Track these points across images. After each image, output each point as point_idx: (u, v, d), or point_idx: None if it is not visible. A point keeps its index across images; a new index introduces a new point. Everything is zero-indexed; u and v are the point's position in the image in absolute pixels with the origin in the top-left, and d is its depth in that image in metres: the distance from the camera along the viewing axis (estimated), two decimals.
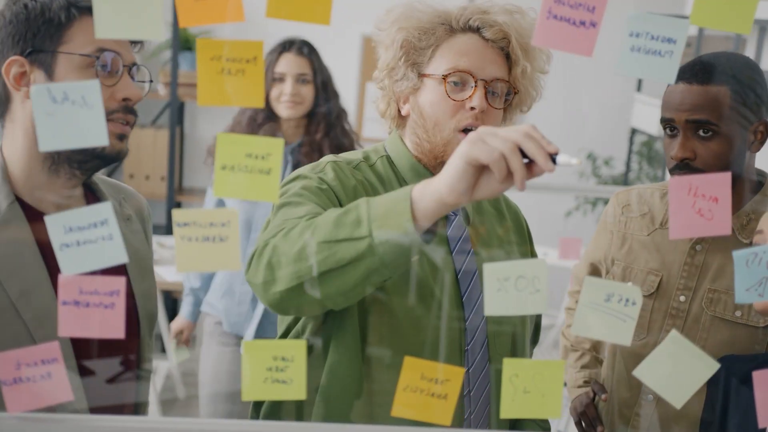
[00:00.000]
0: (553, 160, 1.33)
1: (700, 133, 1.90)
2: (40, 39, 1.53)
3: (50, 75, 1.54)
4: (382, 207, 1.37)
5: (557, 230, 5.57)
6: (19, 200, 1.57)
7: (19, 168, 1.59)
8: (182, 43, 5.90)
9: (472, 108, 1.64)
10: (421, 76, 1.70)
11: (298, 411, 1.66)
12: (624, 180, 6.12)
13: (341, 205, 1.58)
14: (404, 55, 1.72)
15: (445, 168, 1.34)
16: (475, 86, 1.64)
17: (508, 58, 1.70)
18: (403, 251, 1.37)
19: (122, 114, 1.58)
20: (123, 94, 1.58)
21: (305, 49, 3.35)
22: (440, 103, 1.68)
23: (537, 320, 1.96)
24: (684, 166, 1.92)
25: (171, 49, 5.73)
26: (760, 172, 2.05)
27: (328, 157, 1.73)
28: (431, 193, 1.34)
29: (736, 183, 1.96)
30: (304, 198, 1.56)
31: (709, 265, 2.00)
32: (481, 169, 1.32)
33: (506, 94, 1.70)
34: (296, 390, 1.28)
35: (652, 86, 5.84)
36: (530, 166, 1.32)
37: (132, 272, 1.70)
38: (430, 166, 1.71)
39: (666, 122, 1.96)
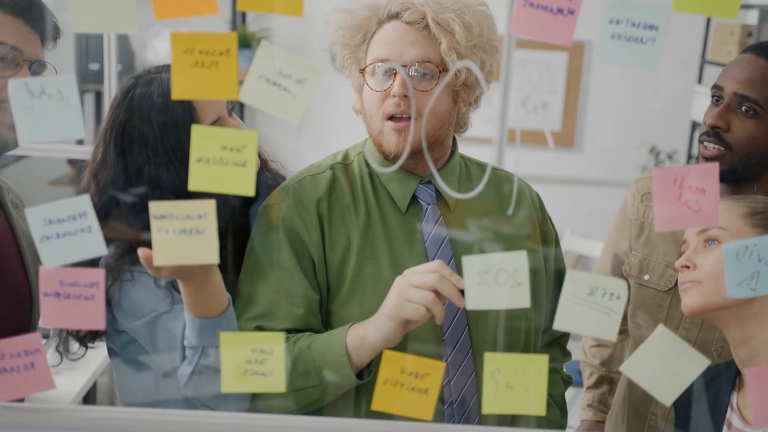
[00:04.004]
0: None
1: (743, 109, 1.85)
2: None
3: None
4: (323, 359, 1.58)
5: None
6: None
7: None
8: (240, 41, 5.96)
9: (394, 95, 1.63)
10: (360, 72, 1.70)
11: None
12: None
13: (305, 231, 1.68)
14: (346, 55, 1.73)
15: (377, 325, 1.55)
16: (396, 73, 1.63)
17: None
18: (352, 383, 1.59)
19: None
20: None
21: None
22: (370, 95, 1.68)
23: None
24: (714, 135, 1.85)
25: None
26: None
27: (302, 172, 1.77)
28: (367, 345, 1.56)
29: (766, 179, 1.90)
30: (267, 269, 1.68)
31: None
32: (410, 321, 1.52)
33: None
34: (275, 382, 1.28)
35: (713, 80, 5.69)
36: (441, 296, 1.49)
37: (29, 257, 1.78)
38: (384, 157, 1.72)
39: (715, 89, 1.89)
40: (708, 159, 1.86)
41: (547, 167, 5.76)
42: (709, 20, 5.39)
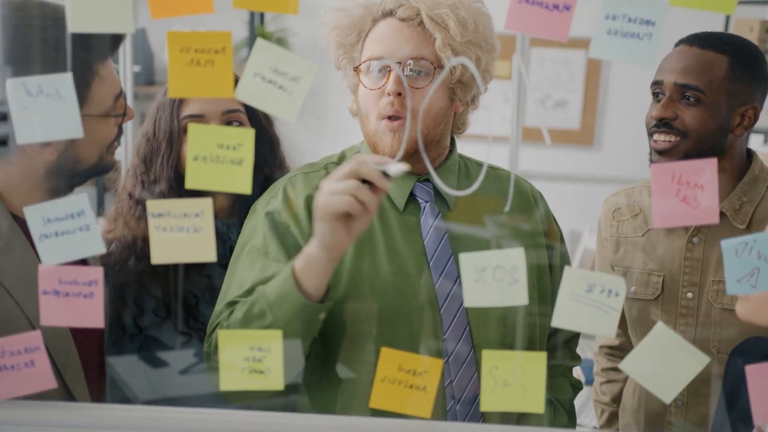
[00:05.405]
0: (387, 175, 1.42)
1: (686, 98, 1.86)
2: None
3: None
4: (275, 292, 1.49)
5: None
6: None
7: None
8: None
9: (389, 93, 1.61)
10: (355, 70, 1.68)
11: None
12: None
13: (295, 225, 1.66)
14: (341, 55, 1.72)
15: (316, 236, 1.46)
16: (390, 70, 1.61)
17: None
18: (313, 314, 1.49)
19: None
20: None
21: None
22: (365, 94, 1.66)
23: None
24: (663, 126, 1.86)
25: (248, 47, 5.80)
26: (748, 152, 1.98)
27: (296, 170, 1.77)
28: (312, 262, 1.47)
29: (720, 165, 1.89)
30: (254, 257, 1.64)
31: (710, 257, 1.92)
32: (344, 216, 1.42)
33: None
34: (274, 380, 1.29)
35: None
36: (374, 188, 1.42)
37: None
38: None
39: (655, 85, 1.91)
40: (661, 152, 1.88)
41: (565, 166, 5.74)
42: (728, 17, 5.35)
